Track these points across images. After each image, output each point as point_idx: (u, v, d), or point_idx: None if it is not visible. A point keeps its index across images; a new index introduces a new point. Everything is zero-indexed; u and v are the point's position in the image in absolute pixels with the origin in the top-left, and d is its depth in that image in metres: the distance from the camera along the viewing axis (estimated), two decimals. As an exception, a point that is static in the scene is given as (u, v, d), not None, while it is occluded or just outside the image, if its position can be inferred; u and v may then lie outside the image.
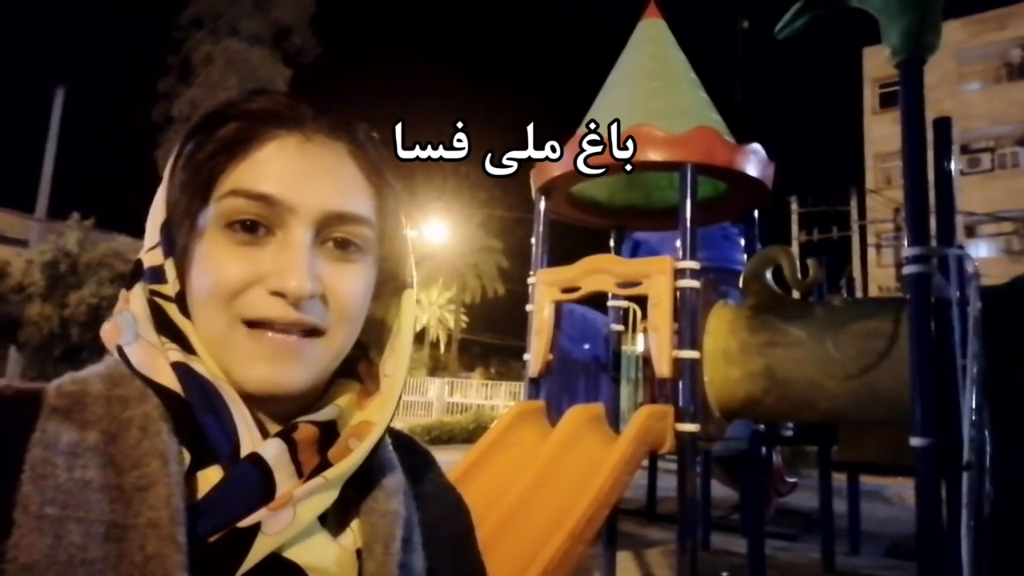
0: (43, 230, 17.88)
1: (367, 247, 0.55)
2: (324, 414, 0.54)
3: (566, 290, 4.25)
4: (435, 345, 34.86)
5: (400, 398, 0.57)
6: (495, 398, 20.45)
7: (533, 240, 4.69)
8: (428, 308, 34.36)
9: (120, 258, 13.01)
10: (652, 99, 4.36)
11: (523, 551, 2.82)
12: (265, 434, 0.51)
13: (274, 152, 0.52)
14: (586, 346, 5.02)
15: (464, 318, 33.84)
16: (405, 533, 0.55)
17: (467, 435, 13.57)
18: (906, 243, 3.18)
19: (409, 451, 0.65)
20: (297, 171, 0.52)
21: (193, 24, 22.53)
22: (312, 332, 0.51)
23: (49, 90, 19.79)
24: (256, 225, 0.51)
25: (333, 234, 0.53)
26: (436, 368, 30.33)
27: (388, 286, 0.60)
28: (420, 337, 34.00)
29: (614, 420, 4.66)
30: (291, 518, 0.48)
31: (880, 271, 23.14)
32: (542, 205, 4.68)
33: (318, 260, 0.52)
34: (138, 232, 0.58)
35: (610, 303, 5.21)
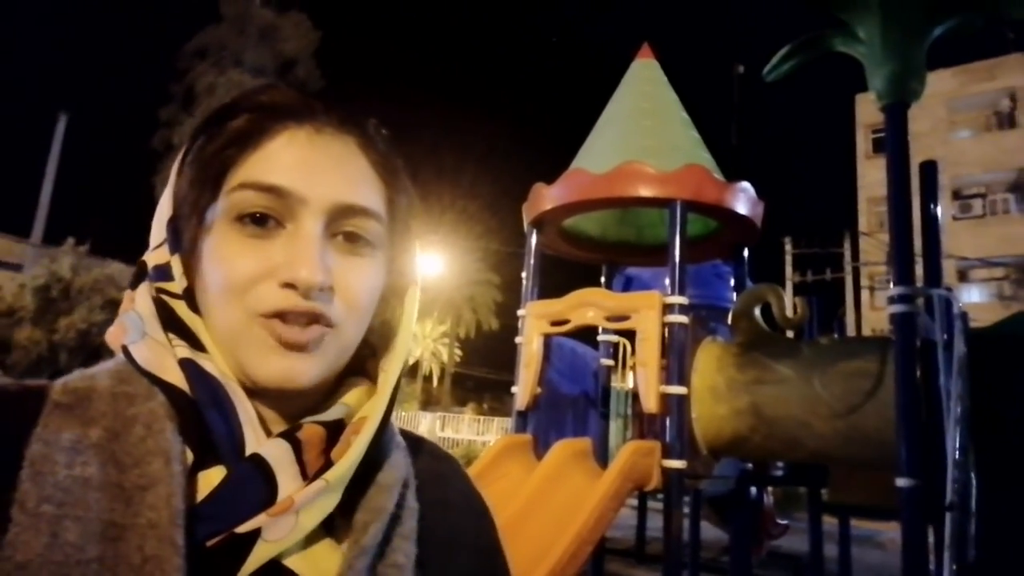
0: (38, 255, 17.87)
1: (377, 242, 0.54)
2: (331, 414, 0.52)
3: (555, 323, 4.24)
4: (428, 379, 34.65)
5: (396, 393, 0.55)
6: (487, 433, 20.24)
7: (524, 273, 4.70)
8: (422, 341, 34.25)
9: (113, 284, 13.01)
10: (644, 137, 4.42)
11: (503, 587, 2.77)
12: (271, 435, 0.50)
13: (284, 144, 0.51)
14: (575, 380, 5.00)
15: (458, 352, 33.71)
16: (389, 529, 0.52)
17: (457, 470, 13.38)
18: (891, 283, 3.20)
19: (432, 456, 0.63)
20: (307, 162, 0.51)
21: (197, 54, 22.90)
22: (323, 324, 0.50)
23: (51, 116, 19.99)
24: (266, 218, 0.50)
25: (343, 227, 0.52)
26: (428, 402, 30.10)
27: (397, 286, 0.59)
28: (413, 370, 33.86)
29: (603, 456, 4.62)
30: (293, 524, 0.47)
31: (873, 313, 23.22)
32: (533, 239, 4.71)
33: (329, 253, 0.51)
34: (133, 259, 0.58)
35: (600, 337, 5.21)
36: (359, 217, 0.53)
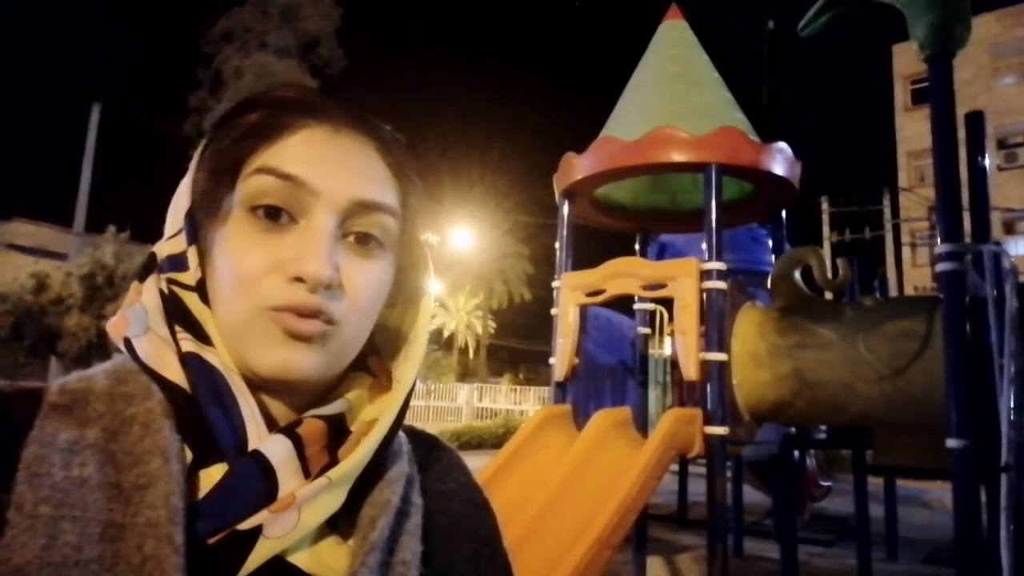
0: (81, 243, 18.33)
1: (388, 242, 0.54)
2: (332, 408, 0.52)
3: (591, 294, 4.22)
4: (464, 351, 34.96)
5: (409, 400, 0.56)
6: (524, 403, 20.39)
7: (557, 244, 4.68)
8: (456, 314, 34.52)
9: (154, 269, 13.34)
10: (675, 101, 4.33)
11: (549, 556, 2.81)
12: (273, 430, 0.50)
13: (303, 140, 0.52)
14: (612, 350, 4.99)
15: (492, 324, 33.90)
16: (396, 524, 0.52)
17: (497, 440, 13.56)
18: (938, 240, 3.11)
19: (429, 447, 0.63)
20: (325, 158, 0.51)
21: (223, 38, 23.00)
22: (328, 321, 0.50)
23: (85, 107, 20.33)
24: (279, 212, 0.50)
25: (356, 227, 0.52)
26: (465, 374, 30.43)
27: (405, 294, 0.59)
28: (449, 343, 34.20)
29: (642, 424, 4.63)
30: (295, 521, 0.46)
31: (915, 271, 22.67)
32: (565, 209, 4.67)
33: (339, 251, 0.51)
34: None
35: (636, 306, 5.18)
36: (375, 214, 0.53)
